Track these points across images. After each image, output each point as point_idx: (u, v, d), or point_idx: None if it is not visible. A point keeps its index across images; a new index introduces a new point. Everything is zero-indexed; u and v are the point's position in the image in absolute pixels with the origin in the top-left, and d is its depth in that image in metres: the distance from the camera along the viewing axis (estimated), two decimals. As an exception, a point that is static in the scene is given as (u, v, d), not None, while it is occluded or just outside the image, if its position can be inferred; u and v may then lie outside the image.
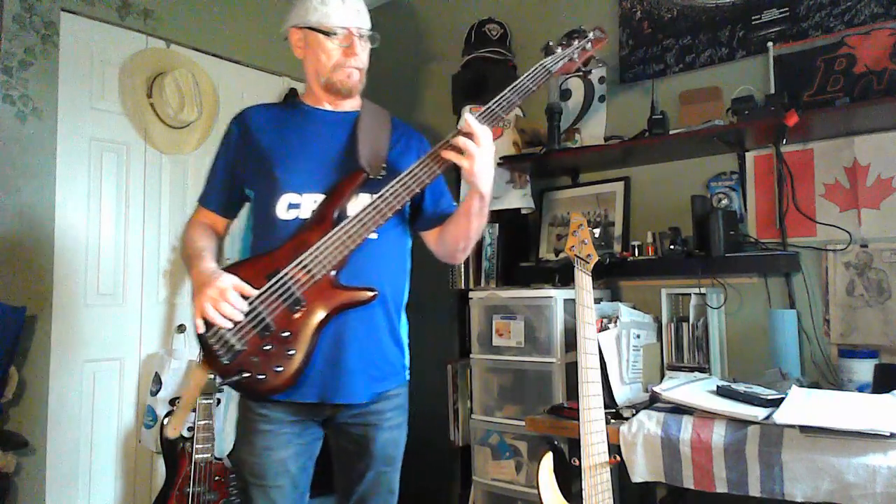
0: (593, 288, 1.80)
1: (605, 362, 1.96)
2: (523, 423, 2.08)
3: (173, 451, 2.46)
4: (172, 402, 2.53)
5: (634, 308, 2.25)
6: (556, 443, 1.82)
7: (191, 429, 2.43)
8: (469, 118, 1.41)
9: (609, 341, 2.03)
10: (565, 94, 2.71)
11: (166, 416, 2.51)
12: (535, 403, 2.27)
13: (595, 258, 1.83)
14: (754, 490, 1.53)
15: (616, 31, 2.59)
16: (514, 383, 2.42)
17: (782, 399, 1.64)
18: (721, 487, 1.58)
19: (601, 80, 2.65)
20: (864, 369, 1.87)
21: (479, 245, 2.71)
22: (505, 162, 2.64)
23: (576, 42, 1.58)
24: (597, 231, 2.49)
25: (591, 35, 1.60)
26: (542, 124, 2.64)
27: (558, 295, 2.27)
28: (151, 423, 2.59)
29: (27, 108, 2.40)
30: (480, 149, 1.39)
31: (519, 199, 2.74)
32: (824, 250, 2.09)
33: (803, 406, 1.59)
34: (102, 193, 2.63)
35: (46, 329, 2.43)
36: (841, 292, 2.06)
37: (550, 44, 1.58)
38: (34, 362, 2.38)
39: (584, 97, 2.68)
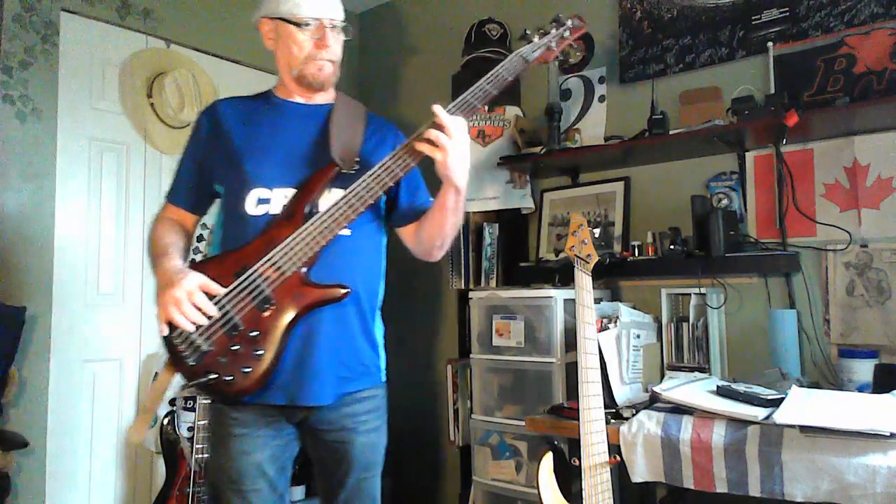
0: (593, 288, 1.80)
1: (605, 362, 1.96)
2: (523, 423, 2.08)
3: (173, 451, 2.46)
4: (172, 402, 2.53)
5: (634, 308, 2.25)
6: (556, 443, 1.82)
7: (191, 429, 2.43)
8: (438, 110, 1.37)
9: (609, 341, 2.02)
10: (565, 94, 2.71)
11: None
12: (535, 403, 2.27)
13: (595, 258, 1.83)
14: (754, 490, 1.53)
15: (616, 31, 2.59)
16: (514, 383, 2.42)
17: (782, 399, 1.64)
18: (721, 487, 1.58)
19: (601, 79, 2.65)
20: (864, 369, 1.87)
21: (479, 245, 2.72)
22: (505, 162, 2.64)
23: (553, 31, 1.55)
24: (597, 231, 2.49)
25: (569, 23, 1.57)
26: (542, 124, 2.64)
27: (558, 295, 2.27)
28: (152, 423, 2.59)
29: (27, 108, 2.41)
30: (453, 140, 1.36)
31: (519, 199, 2.74)
32: (824, 250, 2.09)
33: (803, 406, 1.59)
34: (102, 193, 2.63)
35: (46, 329, 2.43)
36: (841, 292, 2.06)
37: (528, 32, 1.55)
38: (34, 362, 2.38)
39: (584, 97, 2.68)
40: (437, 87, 3.13)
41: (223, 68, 3.01)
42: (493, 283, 2.65)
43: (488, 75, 1.47)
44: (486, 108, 2.76)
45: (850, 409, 1.56)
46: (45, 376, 2.42)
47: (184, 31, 2.86)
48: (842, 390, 1.86)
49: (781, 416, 1.52)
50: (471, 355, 2.51)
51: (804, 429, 1.49)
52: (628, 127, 2.46)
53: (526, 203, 2.75)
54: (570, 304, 2.21)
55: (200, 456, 2.38)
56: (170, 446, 2.47)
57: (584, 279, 1.80)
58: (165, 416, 2.50)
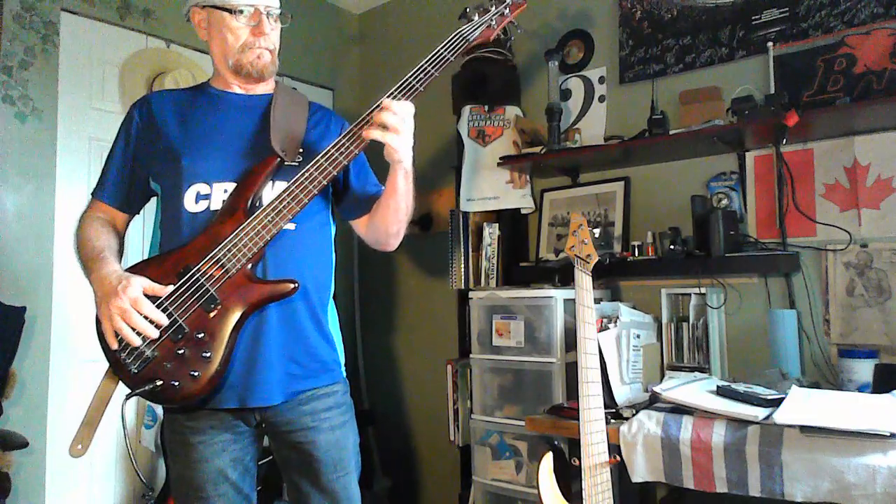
0: (593, 288, 1.80)
1: (605, 362, 1.96)
2: (523, 423, 2.08)
3: (173, 451, 2.46)
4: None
5: (634, 308, 2.25)
6: (556, 443, 1.82)
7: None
8: (386, 99, 1.35)
9: (609, 341, 2.03)
10: (565, 94, 2.71)
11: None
12: (535, 403, 2.27)
13: (595, 258, 1.83)
14: (754, 490, 1.53)
15: (616, 31, 2.59)
16: (514, 383, 2.42)
17: (782, 399, 1.64)
18: (721, 487, 1.58)
19: (601, 79, 2.65)
20: (864, 369, 1.87)
21: (479, 245, 2.72)
22: (505, 162, 2.64)
23: (493, 8, 1.54)
24: (597, 231, 2.49)
25: (508, 1, 1.56)
26: (542, 124, 2.64)
27: (558, 295, 2.27)
28: (151, 423, 2.59)
29: (27, 108, 2.41)
30: (403, 123, 1.34)
31: (519, 199, 2.74)
32: (824, 250, 2.09)
33: (803, 406, 1.60)
34: (102, 193, 2.63)
35: (46, 329, 2.43)
36: (841, 292, 2.06)
37: (468, 10, 1.53)
38: (34, 362, 2.38)
39: (584, 97, 2.68)
40: (436, 87, 3.11)
41: (223, 68, 3.00)
42: (493, 283, 2.65)
43: (429, 56, 1.45)
44: (486, 107, 2.77)
45: (849, 409, 1.56)
46: (45, 376, 2.42)
47: (184, 31, 2.86)
48: (842, 390, 1.87)
49: (781, 416, 1.52)
50: (471, 355, 2.51)
51: (804, 429, 1.49)
52: (628, 127, 2.46)
53: (526, 203, 2.75)
54: (570, 304, 2.22)
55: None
56: (170, 446, 2.46)
57: (584, 279, 1.80)
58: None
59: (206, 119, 1.47)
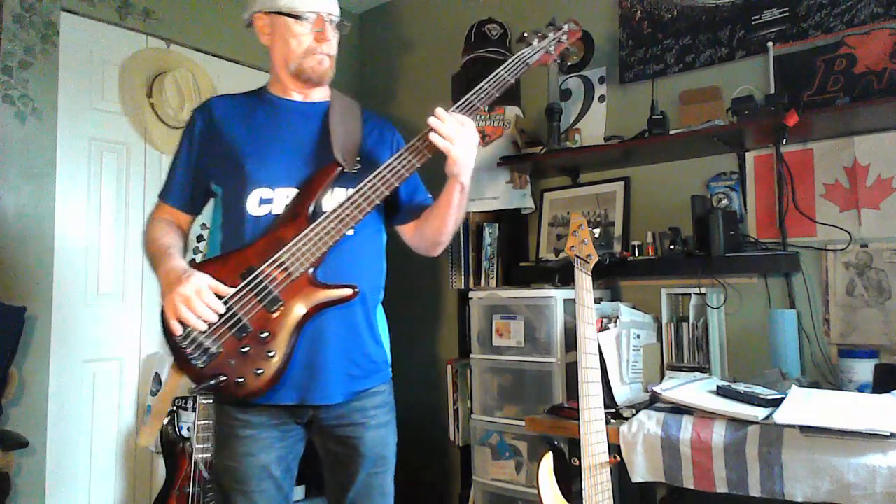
0: (593, 288, 1.80)
1: (605, 362, 1.96)
2: (523, 423, 2.08)
3: (173, 451, 2.46)
4: (173, 402, 2.53)
5: (634, 308, 2.25)
6: (556, 443, 1.82)
7: (190, 429, 2.43)
8: (441, 112, 1.39)
9: (609, 341, 2.03)
10: (565, 94, 2.71)
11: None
12: (535, 403, 2.27)
13: (595, 258, 1.83)
14: (754, 490, 1.53)
15: (616, 31, 2.59)
16: (514, 383, 2.42)
17: (782, 399, 1.64)
18: (721, 487, 1.58)
19: (601, 79, 2.65)
20: (864, 369, 1.87)
21: (479, 245, 2.72)
22: (505, 162, 2.64)
23: (551, 34, 1.60)
24: (597, 231, 2.50)
25: (566, 27, 1.63)
26: (542, 124, 2.64)
27: (558, 295, 2.27)
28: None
29: (27, 108, 2.40)
30: (468, 137, 1.39)
31: (519, 199, 2.74)
32: (824, 250, 2.09)
33: (803, 406, 1.60)
34: (102, 193, 2.63)
35: (46, 329, 2.43)
36: (841, 292, 2.06)
37: (526, 35, 1.59)
38: (34, 362, 2.38)
39: (584, 97, 2.68)
40: (436, 88, 3.13)
41: (223, 68, 3.00)
42: (493, 283, 2.65)
43: (490, 77, 1.49)
44: (486, 108, 2.77)
45: (849, 409, 1.56)
46: (45, 376, 2.42)
47: (184, 31, 2.86)
48: (842, 390, 1.87)
49: (781, 416, 1.52)
50: (471, 355, 2.51)
51: (804, 429, 1.49)
52: (628, 127, 2.46)
53: (526, 203, 2.75)
54: (570, 304, 2.21)
55: (202, 456, 2.38)
56: (170, 446, 2.47)
57: (584, 279, 1.80)
58: (166, 416, 2.50)
59: (268, 125, 1.52)
